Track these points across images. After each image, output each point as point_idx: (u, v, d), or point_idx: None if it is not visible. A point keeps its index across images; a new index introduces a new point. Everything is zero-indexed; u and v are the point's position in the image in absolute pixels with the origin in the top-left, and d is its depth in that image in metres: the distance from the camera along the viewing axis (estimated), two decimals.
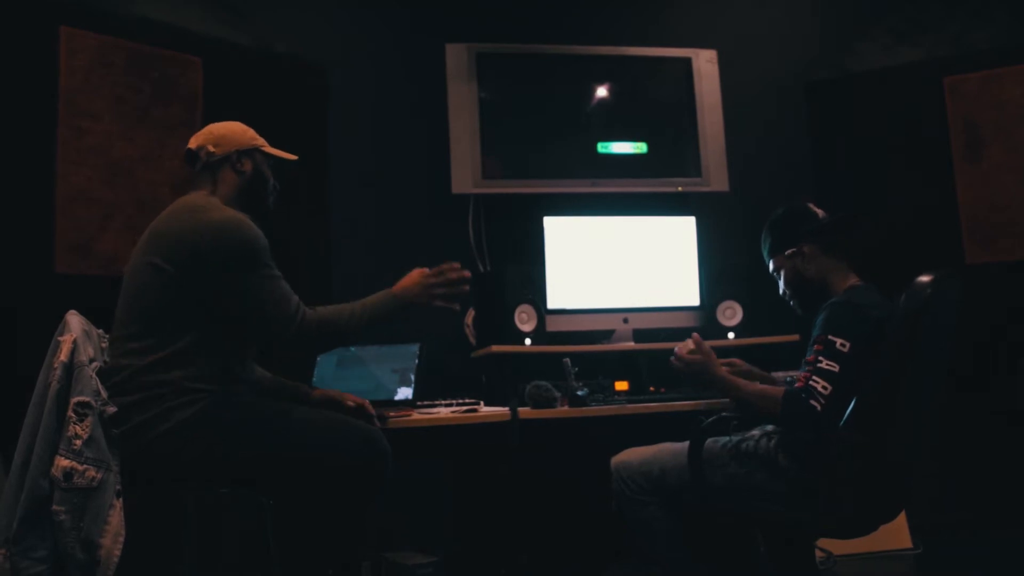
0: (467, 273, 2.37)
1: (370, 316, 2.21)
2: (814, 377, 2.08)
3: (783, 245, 2.38)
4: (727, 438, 2.33)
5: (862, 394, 2.00)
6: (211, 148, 2.25)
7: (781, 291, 2.43)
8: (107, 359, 2.04)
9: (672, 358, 2.42)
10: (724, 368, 2.38)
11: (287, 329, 2.09)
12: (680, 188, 3.58)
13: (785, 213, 2.43)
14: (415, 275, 2.34)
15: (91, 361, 1.95)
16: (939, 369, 2.06)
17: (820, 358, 2.09)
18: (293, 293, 2.13)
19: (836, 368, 2.07)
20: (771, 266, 2.44)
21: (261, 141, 2.34)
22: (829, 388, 2.06)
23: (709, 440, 2.29)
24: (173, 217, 2.14)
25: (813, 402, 2.06)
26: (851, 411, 2.01)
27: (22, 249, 2.66)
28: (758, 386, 2.28)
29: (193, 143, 2.29)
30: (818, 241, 2.33)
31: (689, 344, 2.39)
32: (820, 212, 2.40)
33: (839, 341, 2.08)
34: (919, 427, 2.03)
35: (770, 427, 2.31)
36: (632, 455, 2.43)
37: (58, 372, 1.89)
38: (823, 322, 2.14)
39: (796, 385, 2.12)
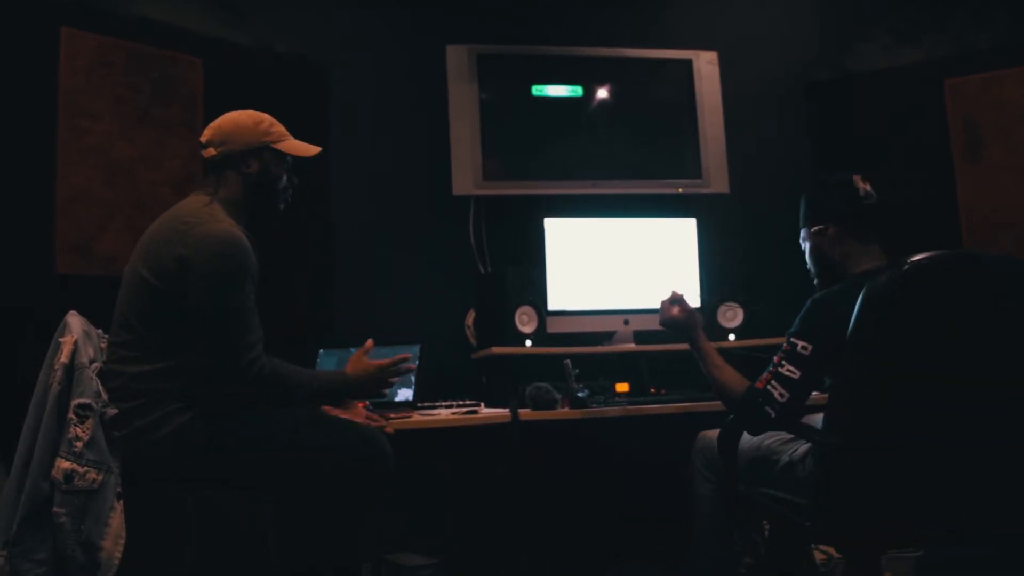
0: (412, 365, 2.36)
1: (318, 391, 2.13)
2: (773, 382, 2.06)
3: (811, 220, 2.32)
4: (777, 437, 2.23)
5: (835, 395, 1.95)
6: (214, 148, 2.15)
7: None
8: (105, 362, 2.03)
9: (661, 315, 2.51)
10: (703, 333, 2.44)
11: (240, 362, 1.96)
12: (680, 190, 3.58)
13: (823, 185, 2.36)
14: (369, 365, 2.22)
15: (91, 362, 1.95)
16: (915, 365, 1.87)
17: (783, 361, 2.06)
18: (260, 332, 2.02)
19: (797, 375, 2.04)
20: (801, 235, 2.39)
21: (274, 135, 2.19)
22: (786, 396, 2.04)
23: (757, 438, 2.23)
24: (167, 226, 2.06)
25: (768, 409, 2.05)
26: (828, 413, 1.97)
27: (22, 249, 2.65)
28: (728, 372, 2.25)
29: (204, 136, 2.18)
30: (845, 224, 2.26)
31: (675, 295, 2.50)
32: (864, 188, 2.29)
33: (801, 344, 2.04)
34: (907, 429, 1.87)
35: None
36: (714, 432, 2.38)
37: (59, 373, 1.89)
38: (797, 320, 2.11)
39: (756, 385, 2.10)
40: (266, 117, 2.22)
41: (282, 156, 2.21)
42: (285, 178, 2.23)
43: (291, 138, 2.24)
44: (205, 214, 2.05)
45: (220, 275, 1.97)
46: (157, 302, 2.00)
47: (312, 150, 2.25)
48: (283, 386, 2.04)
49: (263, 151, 2.17)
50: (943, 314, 1.82)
